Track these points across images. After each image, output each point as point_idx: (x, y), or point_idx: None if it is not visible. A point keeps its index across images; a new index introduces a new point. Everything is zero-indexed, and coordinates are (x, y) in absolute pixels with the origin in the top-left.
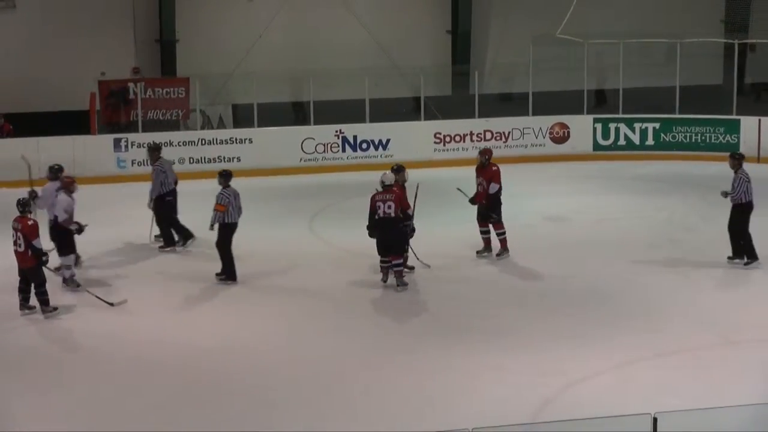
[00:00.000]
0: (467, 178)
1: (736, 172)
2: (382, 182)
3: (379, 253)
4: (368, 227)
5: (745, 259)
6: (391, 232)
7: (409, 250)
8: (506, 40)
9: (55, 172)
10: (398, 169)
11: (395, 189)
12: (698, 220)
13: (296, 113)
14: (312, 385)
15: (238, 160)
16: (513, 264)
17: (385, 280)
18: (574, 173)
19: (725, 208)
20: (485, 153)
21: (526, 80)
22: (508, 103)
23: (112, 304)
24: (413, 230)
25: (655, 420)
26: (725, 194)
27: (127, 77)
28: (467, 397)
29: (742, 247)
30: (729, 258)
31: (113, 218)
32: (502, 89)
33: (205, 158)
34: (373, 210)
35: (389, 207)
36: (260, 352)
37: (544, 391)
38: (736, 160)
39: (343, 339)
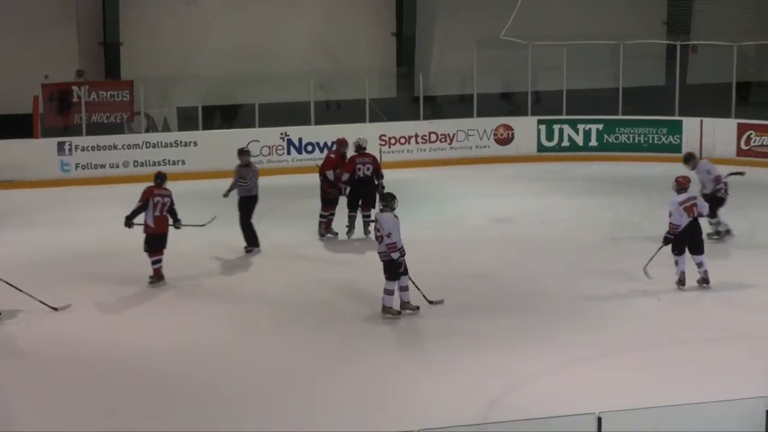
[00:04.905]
0: (413, 180)
1: (248, 166)
2: (359, 145)
3: (349, 207)
4: (346, 182)
5: (246, 245)
6: (368, 189)
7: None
8: (451, 43)
9: None
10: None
11: (371, 154)
12: (642, 220)
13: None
14: (261, 388)
15: (183, 163)
16: (459, 265)
17: (351, 233)
18: (518, 174)
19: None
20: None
21: (470, 82)
22: (453, 105)
23: (56, 309)
24: (383, 187)
25: (599, 419)
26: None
27: (71, 80)
28: (414, 398)
29: (253, 236)
30: (246, 249)
31: (58, 222)
32: (447, 91)
33: (149, 161)
34: (353, 170)
35: (368, 169)
36: (208, 355)
37: (490, 392)
38: (247, 155)
39: (291, 341)
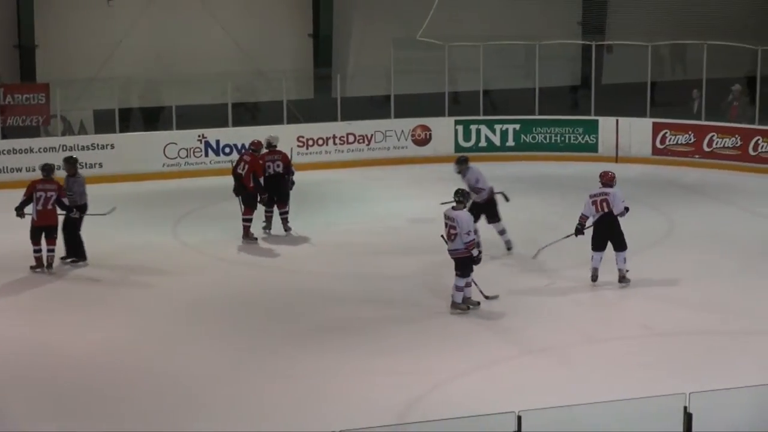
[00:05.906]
0: (331, 181)
1: (75, 176)
2: (269, 143)
3: (265, 205)
4: (259, 187)
5: (72, 258)
6: (279, 185)
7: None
8: (368, 44)
9: None
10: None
11: (281, 151)
12: (558, 220)
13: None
14: (175, 389)
15: (100, 166)
16: (377, 265)
17: (269, 230)
18: (436, 175)
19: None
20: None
21: (387, 83)
22: (370, 106)
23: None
24: (293, 183)
25: (519, 418)
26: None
27: None
28: (334, 399)
29: (80, 247)
30: (63, 259)
31: None
32: (364, 92)
33: None
34: (263, 168)
35: (278, 166)
36: (120, 358)
37: (410, 392)
38: (71, 164)
39: (207, 343)
